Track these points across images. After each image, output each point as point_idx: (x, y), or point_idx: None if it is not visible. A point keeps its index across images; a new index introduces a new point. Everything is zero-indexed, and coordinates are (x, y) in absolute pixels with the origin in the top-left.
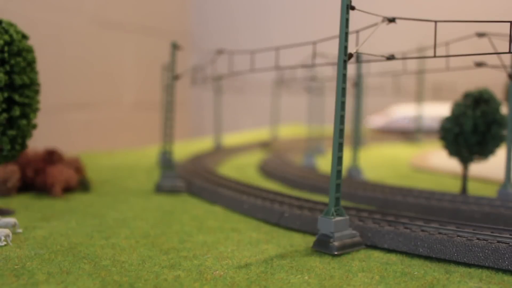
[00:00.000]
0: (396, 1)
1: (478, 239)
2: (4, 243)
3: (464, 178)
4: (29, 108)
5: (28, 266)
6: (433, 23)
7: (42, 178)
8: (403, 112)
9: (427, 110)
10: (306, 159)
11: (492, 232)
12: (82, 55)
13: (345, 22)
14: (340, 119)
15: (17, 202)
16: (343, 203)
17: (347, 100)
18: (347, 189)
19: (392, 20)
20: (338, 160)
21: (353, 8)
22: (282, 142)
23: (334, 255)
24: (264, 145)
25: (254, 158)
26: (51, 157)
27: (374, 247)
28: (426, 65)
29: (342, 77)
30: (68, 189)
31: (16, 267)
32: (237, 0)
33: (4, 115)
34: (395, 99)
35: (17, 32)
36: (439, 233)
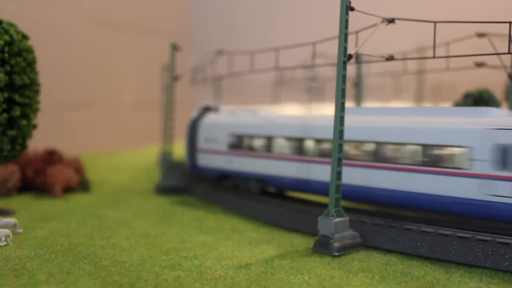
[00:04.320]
0: (395, 2)
1: (478, 239)
2: (5, 243)
3: None
4: (29, 108)
5: (29, 266)
6: (433, 24)
7: (42, 178)
8: None
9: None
10: None
11: (492, 233)
12: (82, 55)
13: (344, 23)
14: (340, 120)
15: (17, 202)
16: (343, 203)
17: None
18: None
19: (391, 20)
20: (338, 161)
21: (352, 9)
22: None
23: (334, 256)
24: None
25: None
26: (51, 157)
27: (374, 247)
28: (426, 65)
29: (341, 78)
30: (68, 189)
31: (16, 267)
32: (237, 1)
33: (5, 115)
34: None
35: (18, 32)
36: (439, 233)
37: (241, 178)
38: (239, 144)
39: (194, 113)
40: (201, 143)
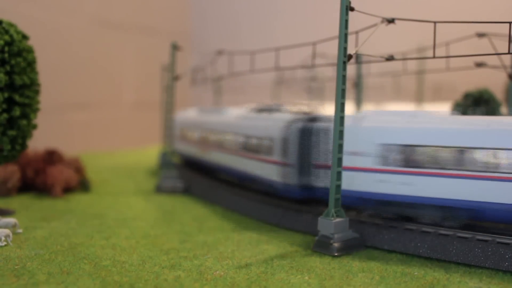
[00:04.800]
0: (395, 2)
1: (478, 240)
2: (5, 243)
3: None
4: (29, 108)
5: (29, 266)
6: (433, 23)
7: (42, 178)
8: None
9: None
10: None
11: (492, 233)
12: (82, 55)
13: (344, 23)
14: (339, 120)
15: (17, 202)
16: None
17: None
18: None
19: (391, 21)
20: (338, 161)
21: (352, 9)
22: None
23: (334, 256)
24: None
25: None
26: (51, 157)
27: (374, 247)
28: (426, 65)
29: (341, 78)
30: (68, 189)
31: (16, 267)
32: (237, 1)
33: (5, 115)
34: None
35: (18, 32)
36: (439, 234)
37: (412, 206)
38: (407, 159)
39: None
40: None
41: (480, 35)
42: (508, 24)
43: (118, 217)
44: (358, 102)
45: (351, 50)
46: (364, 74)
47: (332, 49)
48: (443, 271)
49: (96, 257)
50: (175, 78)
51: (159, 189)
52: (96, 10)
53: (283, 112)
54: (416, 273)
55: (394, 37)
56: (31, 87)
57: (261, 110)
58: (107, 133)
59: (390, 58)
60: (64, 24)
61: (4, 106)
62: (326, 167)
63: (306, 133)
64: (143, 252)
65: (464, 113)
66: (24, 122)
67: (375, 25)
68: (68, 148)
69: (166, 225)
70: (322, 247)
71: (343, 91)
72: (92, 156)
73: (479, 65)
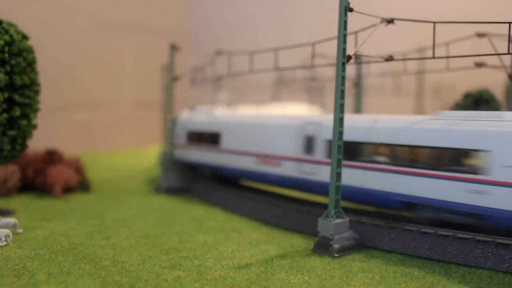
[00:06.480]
0: (395, 2)
1: (478, 240)
2: (5, 243)
3: None
4: (29, 108)
5: (29, 266)
6: (432, 23)
7: (42, 178)
8: None
9: None
10: None
11: (492, 234)
12: (82, 55)
13: (343, 24)
14: (339, 121)
15: (17, 202)
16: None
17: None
18: None
19: (390, 21)
20: (337, 162)
21: (351, 10)
22: None
23: (334, 257)
24: None
25: None
26: (51, 157)
27: (374, 248)
28: (426, 65)
29: (341, 79)
30: (68, 189)
31: (16, 267)
32: (237, 1)
33: (5, 115)
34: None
35: (18, 32)
36: (439, 234)
37: None
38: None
39: None
40: None
41: (480, 35)
42: (508, 24)
43: (118, 217)
44: (358, 102)
45: (350, 51)
46: (364, 74)
47: (331, 49)
48: (443, 272)
49: (96, 257)
50: (174, 78)
51: (159, 189)
52: (96, 10)
53: None
54: (416, 273)
55: (394, 37)
56: (31, 87)
57: None
58: (107, 133)
59: (390, 59)
60: (64, 24)
61: (4, 106)
62: None
63: None
64: (143, 252)
65: None
66: (24, 122)
67: (374, 25)
68: (68, 148)
69: (166, 225)
70: (322, 248)
71: (342, 92)
72: (92, 156)
73: (479, 65)
